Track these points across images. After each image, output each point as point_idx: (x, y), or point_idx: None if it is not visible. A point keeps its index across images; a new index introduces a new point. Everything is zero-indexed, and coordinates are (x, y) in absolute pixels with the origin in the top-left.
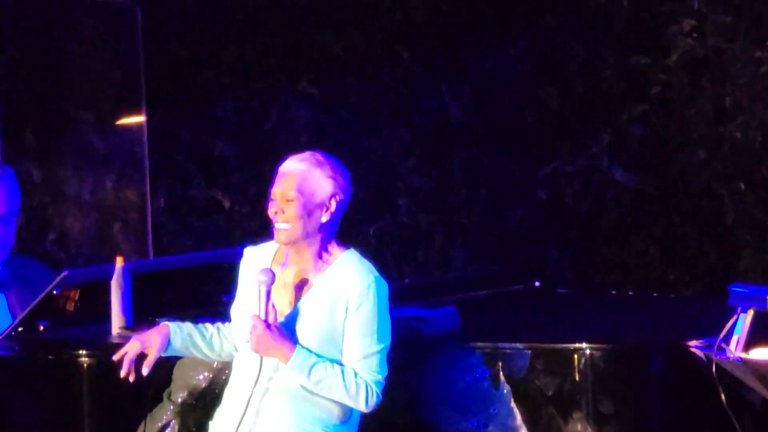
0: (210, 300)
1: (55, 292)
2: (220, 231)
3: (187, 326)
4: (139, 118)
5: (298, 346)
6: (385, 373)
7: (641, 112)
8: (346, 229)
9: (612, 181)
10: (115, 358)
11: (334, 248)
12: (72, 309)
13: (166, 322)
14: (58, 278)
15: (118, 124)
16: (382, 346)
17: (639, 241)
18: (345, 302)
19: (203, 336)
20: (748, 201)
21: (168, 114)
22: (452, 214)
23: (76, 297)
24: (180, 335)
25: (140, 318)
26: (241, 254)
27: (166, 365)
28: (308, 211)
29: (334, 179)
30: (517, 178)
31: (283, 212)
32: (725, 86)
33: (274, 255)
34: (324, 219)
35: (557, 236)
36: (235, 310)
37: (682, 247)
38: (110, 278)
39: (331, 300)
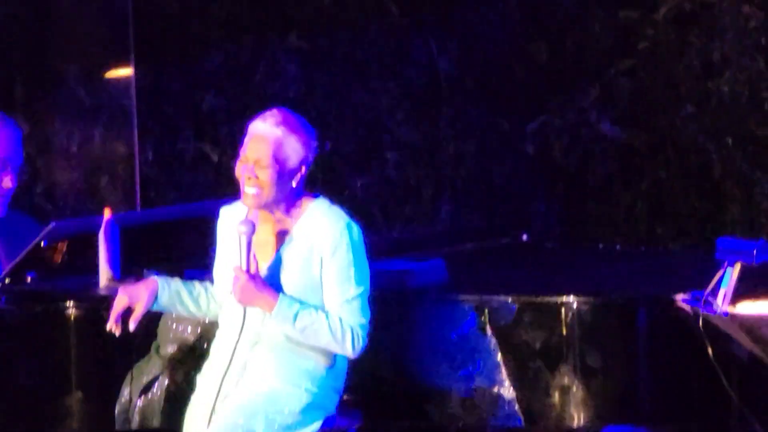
0: (198, 252)
1: (42, 243)
2: (209, 184)
3: (175, 282)
4: (127, 71)
5: (281, 294)
6: (369, 316)
7: (629, 66)
8: (334, 182)
9: (600, 135)
10: (108, 327)
11: (302, 200)
12: (60, 261)
13: (154, 277)
14: (46, 230)
15: (106, 77)
16: (362, 289)
17: (626, 195)
18: (319, 251)
19: (190, 294)
20: (736, 155)
21: (156, 67)
22: (440, 168)
23: (64, 249)
24: (167, 291)
25: (128, 270)
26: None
27: (153, 318)
28: (281, 177)
29: (307, 144)
30: (506, 133)
31: (256, 178)
32: (713, 41)
33: (247, 213)
34: (294, 184)
35: (545, 190)
36: (217, 268)
37: (670, 201)
38: (98, 230)
39: (305, 250)
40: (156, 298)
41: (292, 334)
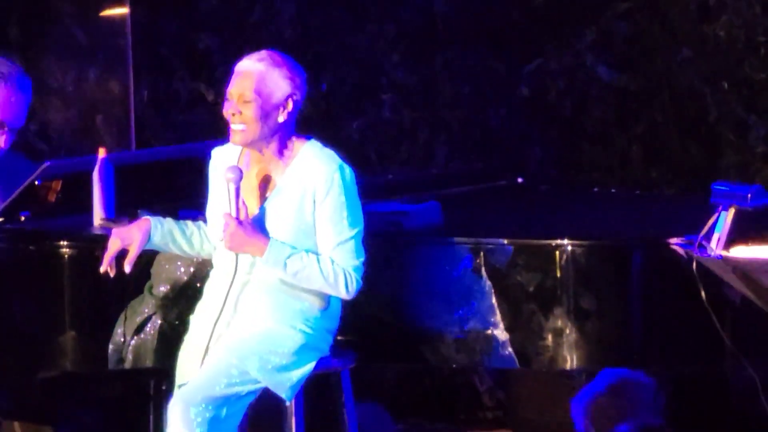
0: (193, 192)
1: (37, 182)
2: (203, 124)
3: (168, 222)
4: (122, 10)
5: (271, 239)
6: (363, 258)
7: (626, 9)
8: (329, 124)
9: (596, 79)
10: (102, 269)
11: (293, 142)
12: (54, 200)
13: (147, 217)
14: (40, 168)
15: (101, 16)
16: (356, 231)
17: (622, 138)
18: (312, 193)
19: (183, 233)
20: (731, 100)
21: (152, 6)
22: (436, 110)
23: (58, 188)
24: (160, 230)
25: (122, 209)
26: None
27: (146, 257)
28: (265, 112)
29: (292, 80)
30: (502, 76)
31: (240, 113)
32: None
33: (240, 154)
34: (281, 119)
35: (540, 133)
36: (209, 211)
37: (665, 145)
38: (92, 169)
39: (298, 193)
40: (149, 237)
41: (284, 278)
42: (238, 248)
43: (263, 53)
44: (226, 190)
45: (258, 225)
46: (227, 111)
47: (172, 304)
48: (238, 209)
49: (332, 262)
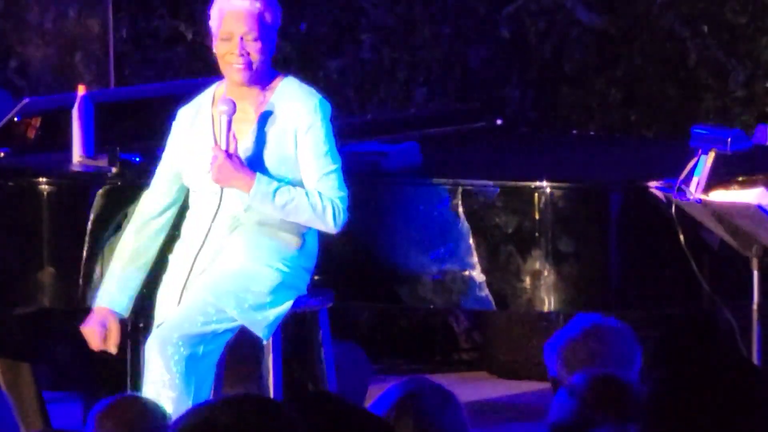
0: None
1: (16, 118)
2: (183, 62)
3: (120, 289)
4: None
5: (258, 173)
6: (346, 190)
7: None
8: (308, 63)
9: (575, 21)
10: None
11: (274, 78)
12: (33, 137)
13: (100, 307)
14: (19, 105)
15: None
16: (337, 165)
17: (601, 81)
18: (294, 128)
19: (138, 271)
20: (711, 44)
21: None
22: (415, 50)
23: (38, 125)
24: (124, 304)
25: (101, 147)
26: (204, 84)
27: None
28: (270, 49)
29: (278, 14)
30: (481, 16)
31: (247, 54)
32: None
33: (213, 101)
34: (272, 53)
35: (520, 75)
36: (173, 164)
37: (645, 88)
38: (72, 106)
39: (280, 128)
40: (118, 315)
41: (272, 212)
42: (226, 181)
43: None
44: (211, 125)
45: (244, 159)
46: (231, 51)
47: None
48: (228, 142)
49: (319, 194)
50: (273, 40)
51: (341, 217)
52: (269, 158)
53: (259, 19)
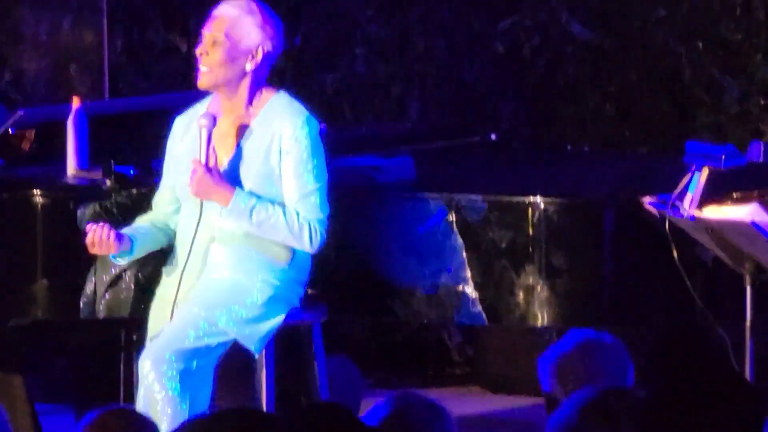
0: (166, 143)
1: (10, 130)
2: (177, 75)
3: (134, 229)
4: None
5: (237, 188)
6: (327, 212)
7: None
8: (303, 77)
9: (570, 36)
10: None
11: (263, 94)
12: (27, 149)
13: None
14: (14, 116)
15: None
16: (320, 184)
17: (595, 97)
18: (278, 144)
19: (153, 228)
20: (706, 60)
21: None
22: (410, 65)
23: (32, 137)
24: (132, 239)
25: (96, 159)
26: (197, 98)
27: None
28: (232, 57)
29: (263, 29)
30: (476, 31)
31: (207, 54)
32: None
33: (207, 109)
34: (248, 67)
35: (514, 90)
36: (170, 175)
37: (639, 104)
38: (66, 118)
39: (265, 144)
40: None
41: (249, 228)
42: (204, 194)
43: (240, 0)
44: (197, 138)
45: (226, 173)
46: (197, 51)
47: (147, 256)
48: (207, 156)
49: (297, 214)
50: (247, 50)
51: (318, 239)
52: (251, 174)
53: (230, 24)
